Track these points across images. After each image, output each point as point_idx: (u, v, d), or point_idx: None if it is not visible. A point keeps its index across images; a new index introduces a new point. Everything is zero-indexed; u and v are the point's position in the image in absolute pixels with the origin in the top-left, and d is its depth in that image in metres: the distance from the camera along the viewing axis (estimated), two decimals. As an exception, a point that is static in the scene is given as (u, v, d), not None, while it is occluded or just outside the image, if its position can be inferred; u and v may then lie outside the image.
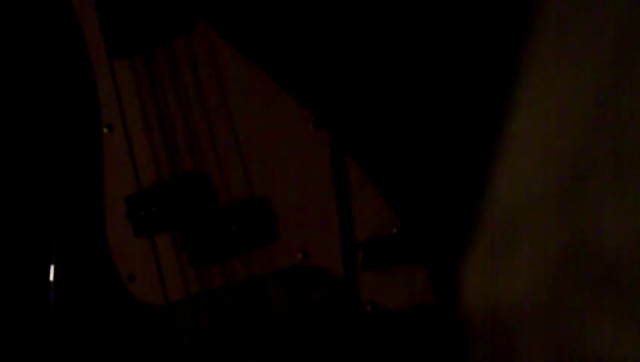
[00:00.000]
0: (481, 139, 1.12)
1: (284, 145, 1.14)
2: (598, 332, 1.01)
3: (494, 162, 1.10)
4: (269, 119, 1.14)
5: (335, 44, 1.16)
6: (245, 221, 1.15)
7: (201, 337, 1.18)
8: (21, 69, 1.36)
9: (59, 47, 1.29)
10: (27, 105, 1.36)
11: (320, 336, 1.14)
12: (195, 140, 1.17)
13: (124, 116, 1.19)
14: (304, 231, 1.14)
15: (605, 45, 1.01)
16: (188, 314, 1.19)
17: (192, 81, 1.16)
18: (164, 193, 1.18)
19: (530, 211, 1.07)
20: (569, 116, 1.04)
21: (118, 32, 1.17)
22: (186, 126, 1.17)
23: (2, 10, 1.35)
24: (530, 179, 1.07)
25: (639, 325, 0.99)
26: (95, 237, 1.22)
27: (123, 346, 1.22)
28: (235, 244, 1.16)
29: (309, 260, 1.14)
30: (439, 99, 1.16)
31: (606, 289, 1.01)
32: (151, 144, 1.19)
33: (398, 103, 1.17)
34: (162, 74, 1.17)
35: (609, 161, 1.02)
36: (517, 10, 1.09)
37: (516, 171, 1.08)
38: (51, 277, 1.23)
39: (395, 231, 1.11)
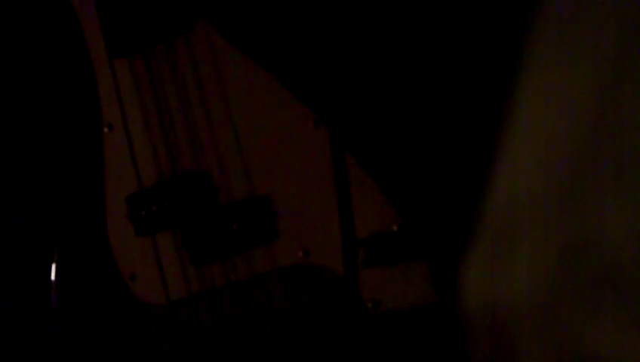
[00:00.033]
0: (481, 138, 1.12)
1: (285, 143, 1.14)
2: (598, 332, 1.01)
3: (494, 162, 1.10)
4: (269, 117, 1.14)
5: (335, 41, 1.16)
6: (246, 219, 1.15)
7: (202, 336, 1.19)
8: (22, 69, 1.36)
9: (59, 46, 1.29)
10: (28, 105, 1.36)
11: (321, 335, 1.14)
12: (195, 139, 1.17)
13: (125, 116, 1.19)
14: (305, 229, 1.14)
15: (605, 45, 1.01)
16: (189, 313, 1.19)
17: (192, 80, 1.16)
18: (164, 192, 1.18)
19: (530, 211, 1.07)
20: (569, 116, 1.04)
21: (118, 32, 1.17)
22: (187, 125, 1.17)
23: (3, 10, 1.35)
24: (530, 179, 1.07)
25: (639, 325, 0.99)
26: (96, 236, 1.22)
27: (124, 345, 1.22)
28: (235, 243, 1.16)
29: (310, 258, 1.14)
30: (439, 98, 1.16)
31: (606, 289, 1.01)
32: (151, 143, 1.19)
33: (398, 101, 1.17)
34: (162, 73, 1.17)
35: (609, 161, 1.02)
36: (517, 10, 1.08)
37: (516, 171, 1.08)
38: (53, 277, 1.23)
39: (395, 228, 1.11)
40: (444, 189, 1.15)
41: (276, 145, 1.14)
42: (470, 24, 1.13)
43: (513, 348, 1.09)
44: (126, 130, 1.20)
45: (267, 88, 1.14)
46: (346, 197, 1.11)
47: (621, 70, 1.00)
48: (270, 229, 1.15)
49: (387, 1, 1.16)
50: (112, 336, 1.23)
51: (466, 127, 1.14)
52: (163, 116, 1.18)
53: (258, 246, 1.16)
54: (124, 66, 1.19)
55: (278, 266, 1.15)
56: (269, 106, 1.14)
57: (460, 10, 1.14)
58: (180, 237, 1.18)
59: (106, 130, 1.21)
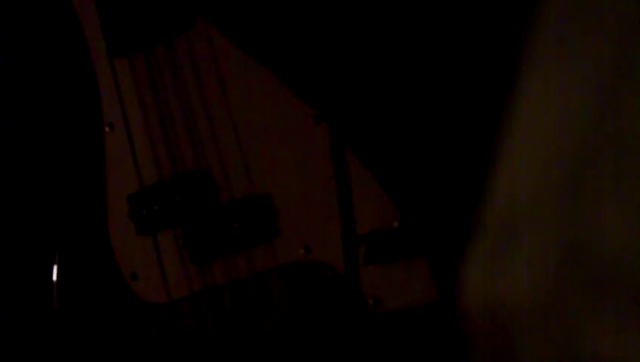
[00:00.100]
0: (481, 137, 1.12)
1: (285, 141, 1.14)
2: (598, 332, 1.02)
3: (494, 161, 1.10)
4: (269, 114, 1.14)
5: (335, 38, 1.15)
6: (247, 217, 1.16)
7: (204, 334, 1.19)
8: (23, 69, 1.36)
9: (60, 46, 1.29)
10: (28, 105, 1.36)
11: (322, 332, 1.14)
12: (196, 137, 1.17)
13: (126, 115, 1.19)
14: (305, 226, 1.14)
15: (605, 45, 1.01)
16: (190, 312, 1.19)
17: (192, 78, 1.16)
18: (165, 191, 1.18)
19: (530, 211, 1.07)
20: (569, 116, 1.04)
21: (118, 31, 1.17)
22: (187, 123, 1.17)
23: (3, 9, 1.34)
24: (530, 179, 1.07)
25: (639, 325, 0.99)
26: (97, 236, 1.22)
27: (126, 345, 1.23)
28: (236, 241, 1.17)
29: (311, 256, 1.14)
30: (440, 95, 1.16)
31: (606, 290, 1.01)
32: (152, 142, 1.19)
33: (398, 98, 1.17)
34: (163, 72, 1.17)
35: (609, 161, 1.01)
36: (517, 10, 1.08)
37: (516, 171, 1.08)
38: (54, 277, 1.23)
39: (396, 224, 1.11)
40: (444, 187, 1.15)
41: (276, 142, 1.14)
42: (471, 22, 1.13)
43: (513, 348, 1.09)
44: (127, 129, 1.20)
45: (267, 86, 1.14)
46: (347, 194, 1.11)
47: (621, 70, 1.00)
48: (271, 227, 1.15)
49: (388, -1, 1.16)
50: (113, 336, 1.23)
51: (466, 127, 1.14)
52: (163, 115, 1.18)
53: (259, 244, 1.16)
54: (124, 66, 1.19)
55: (279, 264, 1.16)
56: (270, 104, 1.14)
57: (461, 9, 1.13)
58: (181, 236, 1.18)
59: (107, 129, 1.21)
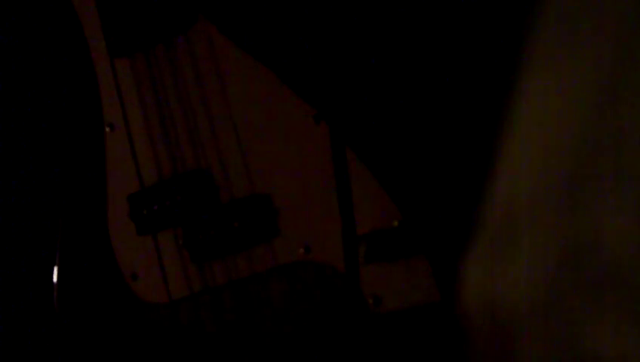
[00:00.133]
0: (481, 137, 1.12)
1: (285, 140, 1.14)
2: (598, 332, 1.01)
3: (495, 161, 1.10)
4: (269, 114, 1.14)
5: (335, 37, 1.15)
6: (247, 217, 1.16)
7: (204, 334, 1.19)
8: (23, 69, 1.36)
9: (60, 46, 1.29)
10: (29, 105, 1.36)
11: (322, 331, 1.14)
12: (196, 137, 1.17)
13: (126, 115, 1.20)
14: (305, 226, 1.14)
15: (605, 44, 1.01)
16: (190, 312, 1.19)
17: (192, 78, 1.16)
18: (166, 191, 1.19)
19: (530, 211, 1.07)
20: (569, 115, 1.04)
21: (118, 31, 1.17)
22: (187, 123, 1.17)
23: (3, 9, 1.34)
24: (530, 179, 1.07)
25: (639, 325, 0.99)
26: (98, 236, 1.22)
27: (127, 345, 1.23)
28: (237, 241, 1.17)
29: (311, 255, 1.14)
30: (440, 95, 1.16)
31: (606, 289, 1.01)
32: (152, 142, 1.19)
33: (398, 97, 1.17)
34: (163, 71, 1.17)
35: (609, 161, 1.01)
36: (518, 9, 1.08)
37: (516, 171, 1.08)
38: (55, 277, 1.24)
39: (396, 224, 1.11)
40: (444, 186, 1.15)
41: (276, 141, 1.14)
42: (471, 22, 1.13)
43: (513, 348, 1.09)
44: (127, 129, 1.20)
45: (267, 85, 1.14)
46: (347, 193, 1.11)
47: (621, 70, 1.00)
48: (271, 226, 1.15)
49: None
50: (114, 336, 1.23)
51: (466, 127, 1.14)
52: (164, 115, 1.18)
53: (259, 243, 1.16)
54: (124, 65, 1.19)
55: (279, 263, 1.16)
56: (269, 103, 1.14)
57: (462, 8, 1.13)
58: (182, 235, 1.19)
59: (107, 129, 1.21)
